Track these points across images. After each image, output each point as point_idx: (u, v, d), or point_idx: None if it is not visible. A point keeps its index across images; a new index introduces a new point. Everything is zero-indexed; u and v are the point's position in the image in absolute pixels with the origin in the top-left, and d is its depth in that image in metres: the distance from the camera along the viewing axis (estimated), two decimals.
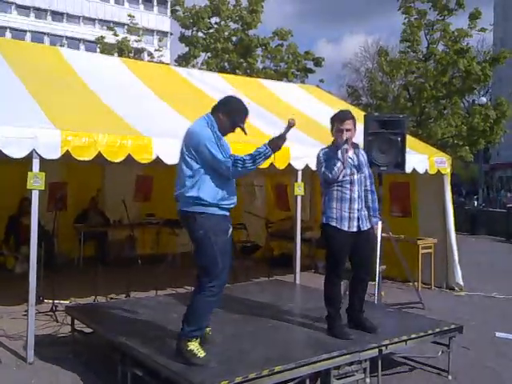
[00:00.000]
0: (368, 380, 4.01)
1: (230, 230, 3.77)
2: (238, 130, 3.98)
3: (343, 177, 4.27)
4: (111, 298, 6.54)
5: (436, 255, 7.96)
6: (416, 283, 7.38)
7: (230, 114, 3.90)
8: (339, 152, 4.24)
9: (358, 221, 4.30)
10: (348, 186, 4.29)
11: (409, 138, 6.95)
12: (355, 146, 4.47)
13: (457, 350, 4.85)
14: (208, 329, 4.01)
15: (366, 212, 4.43)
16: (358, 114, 8.78)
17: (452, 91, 18.53)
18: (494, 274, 9.61)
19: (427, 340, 4.55)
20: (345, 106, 10.45)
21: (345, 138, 4.28)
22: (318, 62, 20.20)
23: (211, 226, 3.64)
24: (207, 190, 3.66)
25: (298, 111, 8.68)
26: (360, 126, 6.73)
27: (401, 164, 6.50)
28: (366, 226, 4.36)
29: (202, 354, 3.61)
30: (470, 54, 18.05)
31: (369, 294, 6.96)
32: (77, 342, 4.88)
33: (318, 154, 4.45)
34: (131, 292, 6.54)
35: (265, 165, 6.32)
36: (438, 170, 7.75)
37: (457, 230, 8.30)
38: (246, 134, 3.93)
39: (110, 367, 4.20)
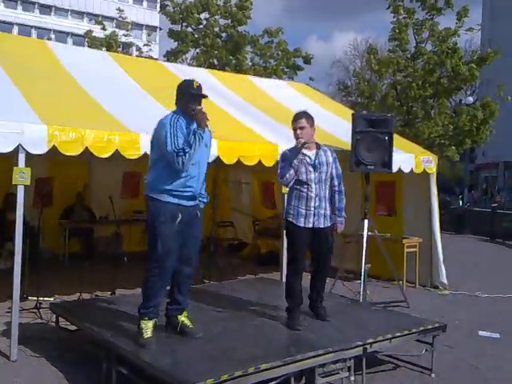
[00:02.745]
0: (352, 378, 4.05)
1: (179, 218, 3.87)
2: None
3: (299, 176, 4.47)
4: (96, 295, 6.50)
5: (421, 254, 8.03)
6: (401, 282, 7.45)
7: (179, 99, 4.00)
8: (294, 161, 4.43)
9: (314, 217, 4.50)
10: (305, 185, 4.51)
11: (396, 137, 7.00)
12: (318, 146, 4.63)
13: (440, 348, 4.91)
14: (189, 323, 4.14)
15: (327, 211, 4.58)
16: (347, 112, 8.89)
17: (439, 91, 18.66)
18: (478, 273, 9.72)
19: (411, 338, 4.59)
20: (333, 104, 10.49)
21: (299, 144, 4.43)
22: (307, 59, 20.19)
23: (158, 212, 3.87)
24: (160, 176, 3.88)
25: (286, 109, 8.68)
26: (348, 125, 6.79)
27: (388, 163, 6.56)
28: (322, 224, 4.54)
29: (148, 334, 3.83)
30: (457, 54, 18.17)
31: (354, 292, 7.10)
32: (61, 339, 4.85)
33: (280, 156, 4.70)
34: (117, 289, 6.51)
35: (252, 162, 6.37)
36: (424, 170, 7.81)
37: (442, 229, 8.38)
38: (194, 117, 3.81)
39: (94, 365, 4.18)
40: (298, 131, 4.49)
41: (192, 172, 3.93)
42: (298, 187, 4.51)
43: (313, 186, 4.49)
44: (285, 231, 4.69)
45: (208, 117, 3.85)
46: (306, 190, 4.49)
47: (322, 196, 4.54)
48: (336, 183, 4.66)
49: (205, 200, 4.18)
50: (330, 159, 4.63)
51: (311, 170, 4.49)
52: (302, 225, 4.49)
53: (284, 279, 6.70)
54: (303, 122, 4.52)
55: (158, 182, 3.91)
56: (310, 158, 4.53)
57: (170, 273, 3.97)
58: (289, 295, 4.62)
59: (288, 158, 4.52)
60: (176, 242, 3.91)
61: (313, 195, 4.49)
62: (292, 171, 4.42)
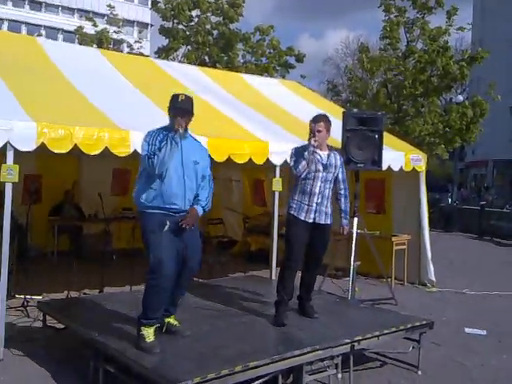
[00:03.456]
0: (340, 375, 4.07)
1: (167, 225, 3.85)
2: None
3: (308, 173, 4.64)
4: (84, 293, 6.48)
5: (409, 252, 8.08)
6: (389, 279, 7.50)
7: (168, 114, 4.03)
8: (305, 153, 4.61)
9: (315, 213, 4.65)
10: (311, 181, 4.67)
11: (386, 135, 7.03)
12: (331, 149, 4.84)
13: (427, 345, 4.95)
14: (176, 322, 4.14)
15: (328, 209, 4.74)
16: (338, 110, 8.90)
17: (430, 89, 18.74)
18: (466, 271, 9.80)
19: (399, 336, 4.63)
20: (324, 102, 10.51)
21: (313, 141, 4.62)
22: (299, 57, 20.19)
23: (146, 222, 3.90)
24: (143, 191, 3.92)
25: (278, 107, 8.70)
26: (339, 123, 6.81)
27: (377, 161, 6.58)
28: (323, 221, 4.69)
29: (150, 339, 3.79)
30: (448, 53, 18.27)
31: (343, 289, 7.13)
32: (48, 337, 4.83)
33: (292, 150, 4.84)
34: (105, 287, 6.49)
35: (243, 160, 6.37)
36: (414, 168, 7.85)
37: (431, 226, 8.44)
38: (175, 128, 3.83)
39: (82, 363, 4.17)
40: (316, 133, 4.65)
41: (176, 189, 3.89)
42: (303, 182, 4.67)
43: (318, 183, 4.67)
44: (285, 224, 4.81)
45: (182, 125, 3.85)
46: (310, 186, 4.66)
47: (325, 194, 4.72)
48: (342, 187, 4.89)
49: (204, 205, 4.09)
50: (338, 163, 4.83)
51: (320, 168, 4.68)
52: (302, 218, 4.63)
53: (274, 277, 6.75)
54: (322, 125, 4.70)
55: (142, 197, 3.93)
56: (322, 158, 4.71)
57: (170, 282, 3.83)
58: (280, 289, 4.67)
59: (299, 151, 4.70)
60: (169, 249, 3.82)
61: (316, 191, 4.66)
62: (304, 162, 4.58)
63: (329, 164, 4.73)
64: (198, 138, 4.38)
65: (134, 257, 7.83)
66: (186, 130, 3.95)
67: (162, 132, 3.91)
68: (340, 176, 4.85)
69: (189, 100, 4.02)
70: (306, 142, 4.72)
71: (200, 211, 4.05)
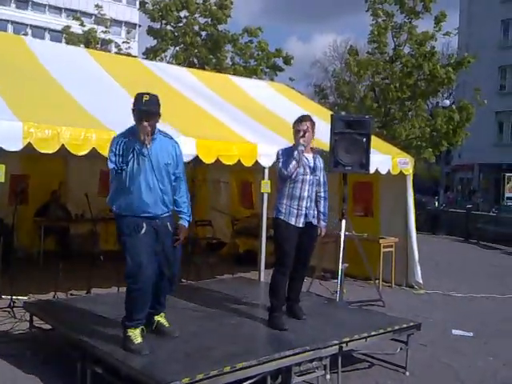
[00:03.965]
0: (328, 376, 4.08)
1: (144, 228, 3.75)
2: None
3: (296, 176, 4.56)
4: (71, 294, 6.43)
5: (397, 254, 8.13)
6: (377, 281, 7.53)
7: (132, 114, 3.77)
8: (295, 153, 4.53)
9: (306, 217, 4.61)
10: (299, 184, 4.59)
11: (373, 139, 7.07)
12: (315, 151, 4.81)
13: (415, 346, 4.98)
14: (166, 322, 4.11)
15: (316, 212, 4.74)
16: (325, 114, 8.94)
17: (417, 93, 18.91)
18: (453, 273, 9.89)
19: (386, 337, 4.65)
20: (312, 105, 10.55)
21: (302, 141, 4.55)
22: (287, 60, 20.25)
23: (121, 225, 3.80)
24: (116, 197, 3.83)
25: (267, 109, 8.71)
26: (327, 126, 6.84)
27: (365, 164, 6.62)
28: (312, 224, 4.67)
29: (137, 340, 3.74)
30: (434, 58, 18.45)
31: (331, 291, 7.15)
32: (35, 338, 4.77)
33: (278, 152, 4.74)
34: (92, 288, 6.44)
35: (231, 161, 6.37)
36: (401, 171, 7.91)
37: (417, 229, 8.50)
38: (141, 140, 3.62)
39: (69, 365, 4.13)
40: (301, 133, 4.59)
41: (147, 199, 3.77)
42: (292, 186, 4.58)
43: (307, 186, 4.61)
44: (274, 229, 4.72)
45: (148, 133, 3.63)
46: (299, 190, 4.58)
47: (313, 198, 4.69)
48: (322, 190, 4.80)
49: (188, 218, 4.06)
50: (322, 165, 4.81)
51: (308, 171, 4.62)
52: (293, 223, 4.56)
53: (262, 279, 6.76)
54: (307, 124, 4.63)
55: (114, 204, 3.85)
56: (308, 160, 4.66)
57: (149, 286, 3.76)
58: (274, 294, 4.58)
59: (287, 152, 4.61)
60: (146, 253, 3.73)
61: (305, 195, 4.60)
62: (294, 162, 4.49)
63: (315, 167, 4.70)
64: (176, 135, 4.30)
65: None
66: (153, 133, 3.73)
67: (127, 138, 3.68)
68: (321, 179, 4.79)
69: (154, 100, 3.75)
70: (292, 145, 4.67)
71: (186, 224, 4.05)
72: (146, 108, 3.68)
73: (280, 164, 4.60)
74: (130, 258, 3.73)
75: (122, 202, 3.80)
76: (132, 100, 3.62)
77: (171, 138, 4.02)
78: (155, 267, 3.82)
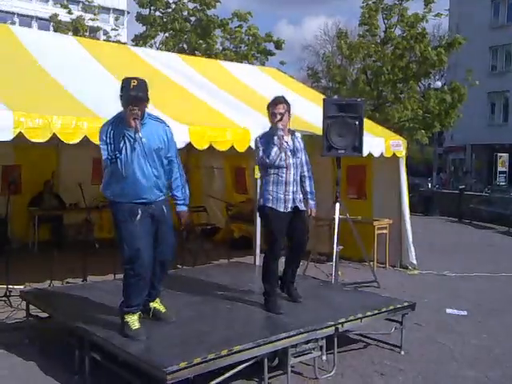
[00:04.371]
0: (324, 357, 4.12)
1: (139, 214, 3.76)
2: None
3: (280, 161, 4.48)
4: (67, 283, 6.44)
5: (391, 236, 8.18)
6: (371, 263, 7.59)
7: (121, 100, 3.72)
8: (275, 138, 4.44)
9: (294, 202, 4.56)
10: (284, 169, 4.51)
11: (366, 121, 7.08)
12: (292, 133, 4.67)
13: (409, 326, 5.04)
14: (162, 307, 4.15)
15: (301, 195, 4.66)
16: (318, 97, 8.93)
17: (408, 75, 18.88)
18: (446, 253, 9.96)
19: (381, 317, 4.70)
20: (304, 89, 10.51)
21: (280, 125, 4.45)
22: (278, 44, 20.12)
23: (116, 212, 3.80)
24: (110, 183, 3.81)
25: (258, 94, 8.67)
26: (319, 110, 6.83)
27: (358, 147, 6.64)
28: (299, 208, 4.61)
29: (135, 326, 3.76)
30: (426, 39, 18.40)
31: (326, 273, 7.21)
32: (32, 327, 4.79)
33: (256, 140, 4.65)
34: (88, 276, 6.45)
35: (224, 147, 6.35)
36: (394, 153, 7.93)
37: (411, 210, 8.55)
38: (129, 125, 3.60)
39: (66, 352, 4.15)
40: (278, 116, 4.49)
41: (142, 184, 3.77)
42: (276, 172, 4.50)
43: (292, 170, 4.53)
44: (262, 217, 4.69)
45: (138, 118, 3.62)
46: (284, 175, 4.50)
47: (297, 181, 4.62)
48: (305, 169, 4.70)
49: (183, 202, 4.08)
50: (302, 145, 4.68)
51: (289, 154, 4.53)
52: (281, 210, 4.52)
53: (257, 263, 6.79)
54: (282, 107, 4.51)
55: (109, 189, 3.84)
56: (288, 144, 4.56)
57: (148, 271, 3.78)
58: (267, 279, 4.60)
59: (266, 139, 4.52)
60: (143, 238, 3.75)
61: (291, 180, 4.54)
62: (276, 148, 4.42)
63: (295, 149, 4.58)
64: (167, 119, 4.23)
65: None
66: (142, 118, 3.70)
67: (116, 126, 3.66)
68: (303, 158, 4.67)
69: (143, 84, 3.69)
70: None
71: (184, 208, 4.09)
72: (135, 93, 3.62)
73: (261, 153, 4.51)
74: (126, 244, 3.73)
75: (116, 189, 3.80)
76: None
77: (162, 122, 3.98)
78: (152, 252, 3.83)
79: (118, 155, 3.61)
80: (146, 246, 3.77)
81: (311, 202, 4.75)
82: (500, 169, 23.28)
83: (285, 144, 4.51)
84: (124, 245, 3.74)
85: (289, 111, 4.58)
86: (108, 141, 3.65)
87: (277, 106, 4.52)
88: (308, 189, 4.72)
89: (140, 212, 3.77)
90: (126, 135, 3.62)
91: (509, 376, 4.33)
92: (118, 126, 3.67)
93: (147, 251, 3.77)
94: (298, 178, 4.63)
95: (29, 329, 4.77)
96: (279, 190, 4.51)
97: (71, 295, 4.90)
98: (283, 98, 4.61)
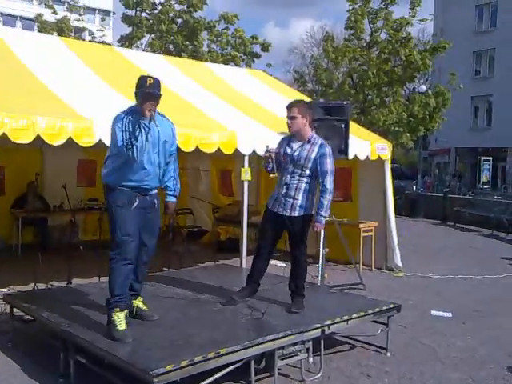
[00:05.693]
0: (311, 359, 4.13)
1: (136, 202, 3.94)
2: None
3: (280, 165, 4.61)
4: (52, 285, 6.36)
5: (376, 238, 8.23)
6: (357, 265, 7.62)
7: (136, 97, 3.96)
8: (267, 147, 4.64)
9: (279, 204, 4.59)
10: (283, 172, 4.62)
11: (352, 125, 7.11)
12: (309, 141, 4.55)
13: (395, 328, 5.07)
14: (144, 306, 4.20)
15: (297, 201, 4.53)
16: (304, 100, 8.94)
17: (394, 79, 19.02)
18: (431, 256, 10.05)
19: (367, 319, 4.72)
20: (291, 91, 10.54)
21: (289, 128, 4.58)
22: (265, 46, 20.14)
23: (115, 199, 3.93)
24: (115, 170, 3.94)
25: (244, 96, 8.67)
26: None
27: (344, 150, 6.66)
28: (287, 213, 4.55)
29: (122, 327, 3.78)
30: (410, 44, 18.56)
31: (312, 276, 7.21)
32: (16, 330, 4.73)
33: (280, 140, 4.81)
34: (73, 278, 6.39)
35: (211, 149, 6.34)
36: (379, 156, 7.98)
37: (396, 213, 8.61)
38: (144, 115, 3.79)
39: (51, 355, 4.10)
40: (288, 121, 4.52)
41: (148, 169, 3.97)
42: (280, 174, 4.66)
43: (286, 175, 4.56)
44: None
45: (154, 111, 3.86)
46: (281, 176, 4.63)
47: (293, 186, 4.52)
48: (320, 180, 4.54)
49: (173, 193, 4.31)
50: (314, 155, 4.49)
51: (288, 160, 4.56)
52: (269, 207, 4.69)
53: (244, 265, 6.78)
54: (293, 111, 4.51)
55: (113, 175, 3.98)
56: (292, 149, 4.54)
57: (133, 258, 3.94)
58: (249, 274, 4.81)
59: (280, 143, 4.71)
60: (135, 225, 3.93)
61: (283, 183, 4.58)
62: (271, 164, 4.56)
63: (297, 156, 4.48)
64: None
65: (101, 248, 7.76)
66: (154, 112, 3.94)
67: (131, 116, 3.84)
68: (318, 168, 4.50)
69: (157, 83, 3.96)
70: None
71: (173, 199, 4.34)
72: (151, 90, 3.87)
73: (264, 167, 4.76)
74: (118, 227, 3.88)
75: (123, 174, 3.92)
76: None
77: (168, 120, 4.20)
78: (138, 242, 3.99)
79: (134, 142, 3.77)
80: (135, 234, 3.95)
81: (316, 217, 4.57)
82: (483, 180, 23.66)
83: (288, 150, 4.55)
84: (117, 228, 3.88)
85: (303, 115, 4.50)
86: (124, 128, 3.80)
87: (287, 111, 4.58)
88: (319, 200, 4.56)
89: (137, 201, 3.94)
90: (141, 124, 3.79)
91: (493, 377, 4.37)
92: (133, 116, 3.83)
93: (135, 239, 3.95)
94: (296, 182, 4.52)
95: (13, 332, 4.71)
96: (275, 189, 4.69)
97: (56, 298, 4.84)
98: (298, 101, 4.73)
